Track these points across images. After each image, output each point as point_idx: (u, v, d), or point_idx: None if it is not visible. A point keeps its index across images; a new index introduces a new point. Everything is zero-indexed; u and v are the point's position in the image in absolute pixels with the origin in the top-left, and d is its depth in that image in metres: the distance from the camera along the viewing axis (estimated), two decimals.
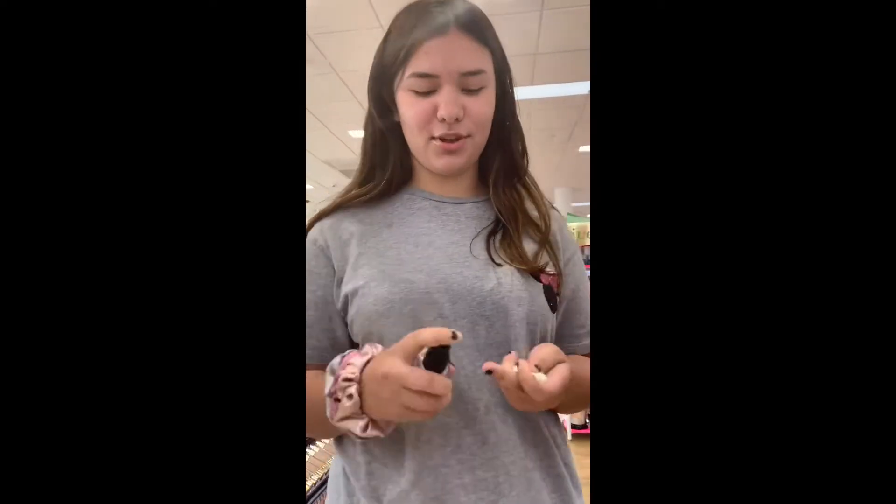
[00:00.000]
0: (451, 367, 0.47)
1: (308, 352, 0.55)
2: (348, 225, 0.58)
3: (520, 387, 0.46)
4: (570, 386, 0.49)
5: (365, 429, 0.46)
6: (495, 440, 0.52)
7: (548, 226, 0.60)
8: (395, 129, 0.58)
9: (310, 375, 0.53)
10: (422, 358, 0.46)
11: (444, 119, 0.52)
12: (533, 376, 0.45)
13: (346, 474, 0.57)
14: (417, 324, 0.50)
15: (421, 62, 0.52)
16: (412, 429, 0.52)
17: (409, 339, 0.45)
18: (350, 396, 0.45)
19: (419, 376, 0.42)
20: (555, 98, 3.62)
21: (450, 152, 0.55)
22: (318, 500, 1.56)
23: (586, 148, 5.12)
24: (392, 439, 0.51)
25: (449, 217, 0.59)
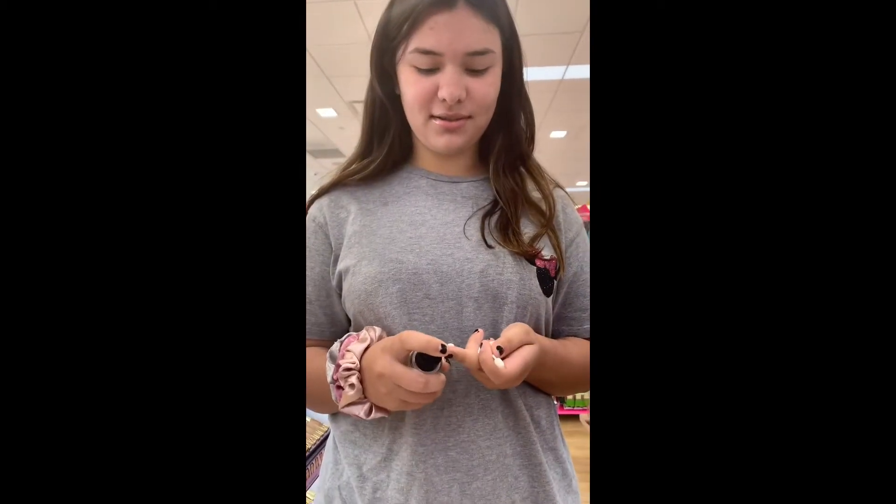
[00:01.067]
0: (445, 363, 0.47)
1: (308, 327, 0.56)
2: (346, 202, 0.57)
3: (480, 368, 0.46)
4: (557, 367, 0.50)
5: (369, 412, 0.47)
6: (472, 423, 0.52)
7: (552, 210, 0.58)
8: (397, 102, 0.56)
9: (310, 353, 0.54)
10: (413, 357, 0.45)
11: (444, 99, 0.50)
12: (492, 358, 0.44)
13: (335, 443, 0.58)
14: (405, 304, 0.51)
15: (425, 38, 0.49)
16: None
17: (397, 343, 0.44)
18: (352, 385, 0.46)
19: (413, 379, 0.43)
20: (526, 82, 3.64)
21: (450, 131, 0.53)
22: (306, 468, 1.58)
23: (559, 133, 5.18)
24: None
25: (445, 196, 0.57)
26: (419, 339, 0.43)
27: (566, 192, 0.63)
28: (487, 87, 0.52)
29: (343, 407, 0.48)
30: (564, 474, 0.58)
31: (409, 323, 0.51)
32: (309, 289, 0.56)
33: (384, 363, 0.44)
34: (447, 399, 0.52)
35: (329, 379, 0.48)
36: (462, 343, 0.49)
